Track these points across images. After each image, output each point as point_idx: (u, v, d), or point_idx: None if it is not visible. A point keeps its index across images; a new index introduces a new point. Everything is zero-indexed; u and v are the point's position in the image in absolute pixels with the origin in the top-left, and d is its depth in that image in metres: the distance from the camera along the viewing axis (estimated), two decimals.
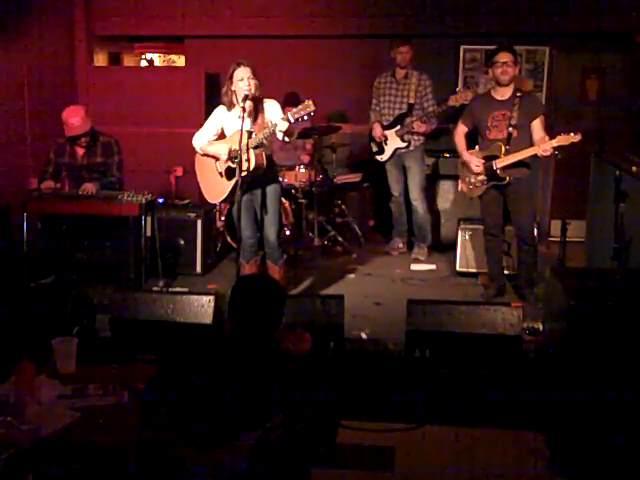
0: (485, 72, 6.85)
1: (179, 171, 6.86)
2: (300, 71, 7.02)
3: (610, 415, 3.26)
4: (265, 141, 4.44)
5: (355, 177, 6.76)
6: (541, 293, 4.83)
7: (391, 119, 6.10)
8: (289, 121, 4.24)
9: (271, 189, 4.66)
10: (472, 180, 4.93)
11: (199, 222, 5.74)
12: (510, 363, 3.86)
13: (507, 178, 4.76)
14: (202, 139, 4.67)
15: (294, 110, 4.24)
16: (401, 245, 6.37)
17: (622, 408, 3.27)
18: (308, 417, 2.38)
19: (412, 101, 6.01)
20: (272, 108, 4.55)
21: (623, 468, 3.11)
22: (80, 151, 5.23)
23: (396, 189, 6.25)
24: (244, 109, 4.29)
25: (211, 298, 4.10)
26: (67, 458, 2.46)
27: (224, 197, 4.68)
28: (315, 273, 5.70)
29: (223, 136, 4.67)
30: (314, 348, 2.88)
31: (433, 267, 5.91)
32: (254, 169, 4.39)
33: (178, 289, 5.13)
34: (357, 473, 3.24)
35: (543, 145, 4.53)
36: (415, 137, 6.08)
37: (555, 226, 6.30)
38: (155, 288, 5.13)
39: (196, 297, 4.15)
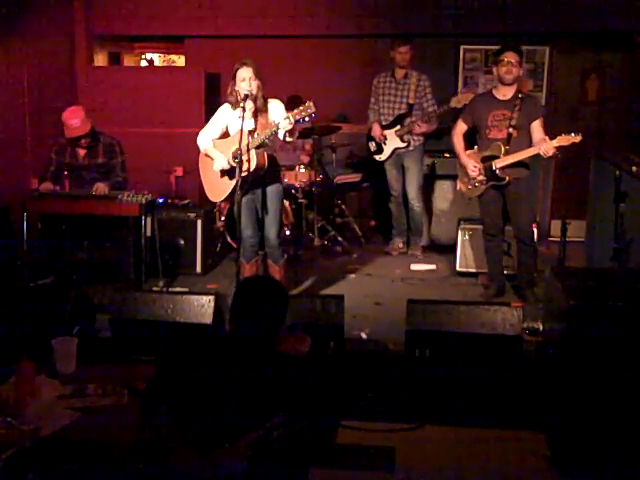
0: (486, 72, 6.87)
1: (179, 171, 6.87)
2: (300, 71, 7.02)
3: (610, 415, 3.26)
4: (268, 141, 4.43)
5: (355, 177, 6.76)
6: (541, 293, 4.83)
7: (390, 119, 6.10)
8: (291, 122, 4.24)
9: (273, 189, 4.66)
10: (471, 180, 4.93)
11: (199, 222, 5.75)
12: (510, 363, 3.85)
13: (507, 178, 4.76)
14: (207, 138, 4.67)
15: (295, 111, 4.24)
16: (401, 245, 6.37)
17: (622, 408, 3.27)
18: (308, 417, 2.38)
19: (412, 101, 6.01)
20: (276, 108, 4.54)
21: (623, 468, 3.10)
22: (81, 151, 5.23)
23: (395, 189, 6.26)
24: (244, 109, 4.29)
25: (211, 298, 4.10)
26: (67, 458, 2.46)
27: (225, 196, 4.68)
28: (315, 273, 5.70)
29: (228, 134, 4.67)
30: (313, 349, 2.88)
31: (433, 267, 5.92)
32: (255, 169, 4.39)
33: (178, 289, 5.12)
34: (357, 473, 3.24)
35: (544, 145, 4.53)
36: (415, 137, 6.08)
37: (555, 226, 6.30)
38: (155, 288, 5.13)
39: (196, 297, 4.15)
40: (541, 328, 4.28)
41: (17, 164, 6.23)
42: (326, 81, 6.96)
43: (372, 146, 6.23)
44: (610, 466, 3.12)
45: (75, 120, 5.06)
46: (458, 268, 5.65)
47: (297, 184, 6.14)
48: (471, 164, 4.83)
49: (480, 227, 5.21)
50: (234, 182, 4.46)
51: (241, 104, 4.32)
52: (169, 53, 8.84)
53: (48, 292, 4.54)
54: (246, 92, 4.37)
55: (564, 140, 4.49)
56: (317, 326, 3.93)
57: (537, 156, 4.71)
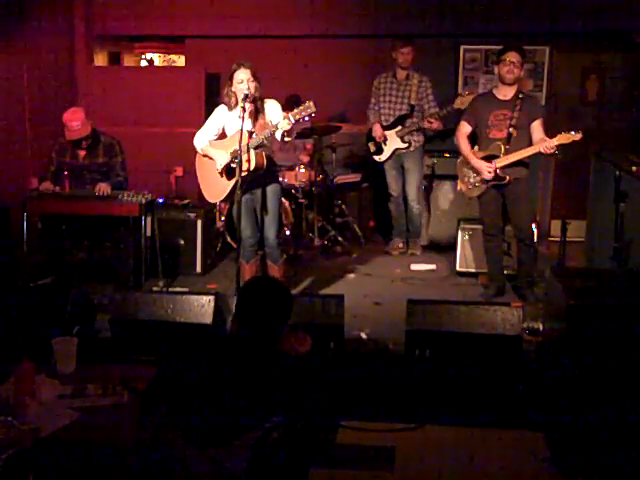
0: (486, 72, 6.87)
1: (179, 171, 6.87)
2: (300, 71, 7.02)
3: (610, 415, 3.26)
4: (266, 141, 4.44)
5: (355, 177, 6.76)
6: (541, 293, 4.84)
7: (391, 119, 6.10)
8: (290, 121, 4.24)
9: (271, 189, 4.66)
10: (471, 180, 4.93)
11: (199, 222, 5.75)
12: (510, 363, 3.85)
13: (507, 178, 4.76)
14: (203, 139, 4.67)
15: (295, 111, 4.24)
16: (401, 245, 6.38)
17: (622, 408, 3.27)
18: (308, 417, 2.38)
19: (413, 102, 6.01)
20: (273, 108, 4.55)
21: (623, 468, 3.11)
22: (82, 152, 5.23)
23: (395, 189, 6.26)
24: (244, 109, 4.29)
25: (211, 298, 4.10)
26: (67, 458, 2.46)
27: (224, 197, 4.68)
28: (315, 273, 5.70)
29: (224, 136, 4.67)
30: (314, 349, 2.88)
31: (433, 267, 5.92)
32: (254, 169, 4.39)
33: (178, 289, 5.13)
34: (357, 473, 3.24)
35: (545, 143, 4.54)
36: (415, 138, 6.09)
37: (555, 226, 6.31)
38: (155, 288, 5.13)
39: (196, 297, 4.15)
40: (541, 328, 4.28)
41: (17, 164, 6.22)
42: (326, 81, 6.96)
43: (372, 146, 6.23)
44: (610, 466, 3.12)
45: (76, 122, 5.06)
46: (458, 268, 5.65)
47: (297, 184, 6.14)
48: (485, 167, 4.79)
49: (480, 227, 5.21)
50: (232, 182, 4.47)
51: (241, 104, 4.32)
52: (169, 53, 8.83)
53: (48, 292, 4.54)
54: (245, 92, 4.37)
55: (564, 138, 4.50)
56: (317, 326, 3.93)
57: (537, 156, 4.72)
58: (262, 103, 4.53)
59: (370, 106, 6.21)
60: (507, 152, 4.71)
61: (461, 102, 5.67)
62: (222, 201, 5.22)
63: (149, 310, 4.12)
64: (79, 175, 5.24)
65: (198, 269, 5.76)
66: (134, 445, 2.41)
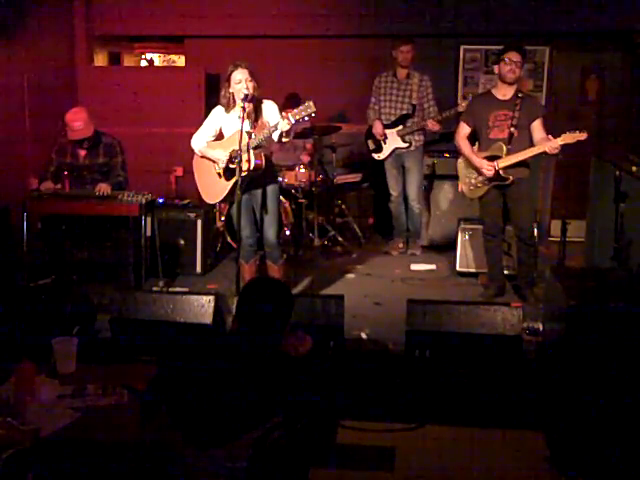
0: (486, 72, 6.87)
1: (179, 171, 6.87)
2: (300, 71, 7.02)
3: (610, 415, 3.26)
4: (264, 142, 4.44)
5: (355, 177, 6.76)
6: (541, 293, 4.83)
7: (392, 119, 6.10)
8: (290, 122, 4.24)
9: (270, 189, 4.66)
10: (473, 181, 4.93)
11: (199, 222, 5.75)
12: (510, 363, 3.85)
13: (510, 178, 4.75)
14: (200, 140, 4.67)
15: (295, 111, 4.23)
16: (401, 245, 6.38)
17: (622, 408, 3.27)
18: (308, 417, 2.38)
19: (414, 102, 6.02)
20: (270, 109, 4.55)
21: (623, 468, 3.11)
22: (82, 152, 5.23)
23: (395, 189, 6.26)
24: (244, 109, 4.29)
25: (211, 298, 4.10)
26: (67, 458, 2.46)
27: (222, 197, 4.68)
28: (315, 273, 5.70)
29: (221, 137, 4.67)
30: (314, 349, 2.88)
31: (433, 267, 5.92)
32: (253, 169, 4.39)
33: (178, 289, 5.13)
34: (357, 473, 3.24)
35: (549, 144, 4.53)
36: (416, 137, 6.09)
37: (555, 226, 6.31)
38: (155, 288, 5.13)
39: (196, 297, 4.15)
40: (541, 328, 4.28)
41: (17, 164, 6.22)
42: (326, 81, 6.96)
43: (371, 144, 6.23)
44: (610, 466, 3.12)
45: (79, 122, 5.06)
46: (458, 268, 5.65)
47: (297, 184, 6.14)
48: (485, 164, 4.79)
49: (480, 227, 5.21)
50: (231, 183, 4.47)
51: (240, 104, 4.32)
52: (169, 53, 8.84)
53: (48, 292, 4.54)
54: (245, 92, 4.37)
55: (569, 138, 4.49)
56: (317, 326, 3.93)
57: (538, 156, 4.71)
58: (260, 103, 4.52)
59: (370, 105, 6.21)
60: (509, 152, 4.71)
61: (465, 105, 5.65)
62: (221, 202, 5.21)
63: (149, 310, 4.12)
64: (79, 175, 5.24)
65: (198, 269, 5.76)
66: (134, 445, 2.41)
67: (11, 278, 5.11)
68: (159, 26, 7.27)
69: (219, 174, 4.60)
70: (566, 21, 6.68)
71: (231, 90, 4.47)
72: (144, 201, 4.99)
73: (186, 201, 6.03)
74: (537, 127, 4.73)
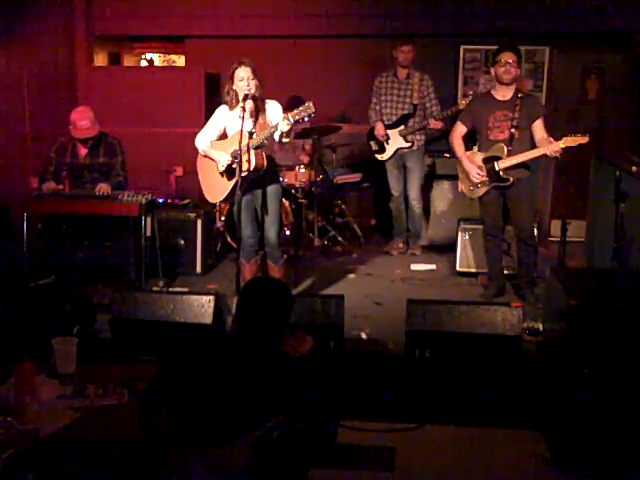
0: (485, 72, 6.87)
1: (179, 171, 6.87)
2: (301, 71, 7.02)
3: (610, 415, 3.26)
4: (266, 141, 4.44)
5: (355, 177, 6.76)
6: (541, 293, 4.83)
7: (393, 119, 6.10)
8: (290, 122, 4.24)
9: (272, 189, 4.66)
10: (473, 181, 4.92)
11: (199, 222, 5.75)
12: (510, 363, 3.85)
13: (510, 179, 4.75)
14: (205, 140, 4.67)
15: (295, 112, 4.24)
16: (401, 245, 6.38)
17: (622, 408, 3.27)
18: (308, 417, 2.38)
19: (415, 101, 6.02)
20: (273, 109, 4.55)
21: (623, 468, 3.11)
22: (82, 151, 5.23)
23: (396, 189, 6.26)
24: (244, 109, 4.29)
25: (211, 298, 4.10)
26: (67, 458, 2.46)
27: (224, 197, 4.68)
28: (315, 273, 5.70)
29: (226, 136, 4.67)
30: (314, 349, 2.88)
31: (433, 267, 5.92)
32: (254, 169, 4.39)
33: (178, 289, 5.12)
34: (357, 473, 3.24)
35: (551, 147, 4.52)
36: (418, 137, 6.09)
37: (555, 226, 6.31)
38: (155, 288, 5.13)
39: (196, 297, 4.15)
40: (541, 328, 4.28)
41: (17, 164, 6.23)
42: (326, 81, 6.96)
43: (373, 145, 6.23)
44: (610, 466, 3.12)
45: (85, 121, 5.06)
46: (458, 268, 5.65)
47: (297, 184, 6.14)
48: (474, 170, 4.81)
49: (480, 227, 5.21)
50: (232, 183, 4.47)
51: (241, 104, 4.32)
52: (169, 53, 8.83)
53: (48, 292, 4.53)
54: (246, 92, 4.37)
55: (570, 141, 4.48)
56: (317, 326, 3.93)
57: (540, 156, 4.70)
58: (263, 103, 4.52)
59: (371, 105, 6.21)
60: (510, 153, 4.70)
61: (466, 103, 5.66)
62: (222, 201, 5.22)
63: (149, 310, 4.12)
64: (79, 175, 5.24)
65: (198, 269, 5.76)
66: (134, 445, 2.41)
67: (11, 278, 5.10)
68: (159, 26, 7.28)
69: (221, 173, 4.60)
70: (566, 21, 6.68)
71: (234, 87, 4.47)
72: (144, 201, 4.99)
73: (186, 201, 6.03)
74: (538, 127, 4.72)
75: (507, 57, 4.69)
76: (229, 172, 4.55)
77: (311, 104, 4.20)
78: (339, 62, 7.09)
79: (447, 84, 6.87)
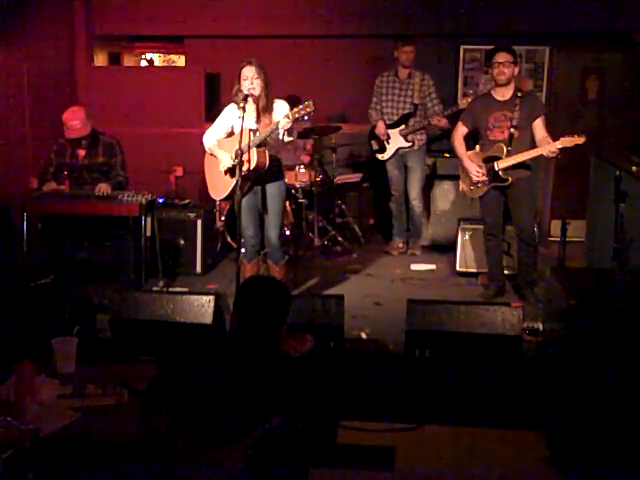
0: (485, 72, 6.87)
1: (179, 171, 6.87)
2: (300, 71, 7.02)
3: (610, 415, 3.26)
4: (270, 140, 4.43)
5: (355, 177, 6.76)
6: (541, 293, 4.84)
7: (394, 118, 6.10)
8: (290, 120, 4.24)
9: (275, 190, 4.65)
10: (473, 181, 4.93)
11: (199, 222, 5.75)
12: (510, 363, 3.85)
13: (509, 179, 4.76)
14: (212, 138, 4.66)
15: (294, 110, 4.24)
16: (401, 245, 6.38)
17: (622, 408, 3.27)
18: (308, 417, 2.38)
19: (416, 101, 6.02)
20: (281, 108, 4.53)
21: (623, 468, 3.10)
22: (81, 152, 5.23)
23: (397, 189, 6.26)
24: (244, 109, 4.29)
25: (211, 298, 4.10)
26: (67, 458, 2.46)
27: (226, 194, 4.68)
28: (315, 273, 5.70)
29: (234, 134, 4.66)
30: (314, 348, 2.88)
31: (433, 267, 5.92)
32: (255, 168, 4.39)
33: (178, 289, 5.13)
34: (357, 473, 3.24)
35: (548, 147, 4.53)
36: (418, 137, 6.09)
37: (555, 226, 6.31)
38: (155, 288, 5.13)
39: (196, 297, 4.15)
40: (541, 328, 4.28)
41: (17, 164, 6.22)
42: (326, 81, 6.95)
43: (374, 144, 6.23)
44: (610, 466, 3.12)
45: (76, 121, 5.05)
46: (458, 268, 5.65)
47: (297, 184, 6.15)
48: (474, 169, 4.83)
49: (480, 227, 5.21)
50: (234, 181, 4.46)
51: (241, 104, 4.32)
52: (169, 53, 8.84)
53: (48, 292, 4.53)
54: (246, 92, 4.37)
55: (567, 142, 4.49)
56: (317, 326, 3.93)
57: (538, 156, 4.71)
58: (270, 102, 4.51)
59: (372, 105, 6.21)
60: (509, 153, 4.71)
61: (467, 102, 5.65)
62: (225, 199, 5.21)
63: (149, 310, 4.12)
64: (79, 175, 5.24)
65: (198, 269, 5.76)
66: (134, 445, 2.41)
67: (11, 278, 5.10)
68: (159, 26, 7.27)
69: (225, 171, 4.60)
70: (566, 21, 6.67)
71: (241, 87, 4.47)
72: (144, 201, 4.99)
73: (186, 201, 6.03)
74: (538, 126, 4.73)
75: (500, 58, 4.70)
76: (232, 170, 4.55)
77: (311, 103, 4.19)
78: (339, 62, 7.08)
79: (447, 84, 6.86)
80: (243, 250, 4.73)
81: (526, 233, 4.95)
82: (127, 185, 5.27)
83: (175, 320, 4.07)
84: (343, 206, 6.68)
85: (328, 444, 3.39)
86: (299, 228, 6.24)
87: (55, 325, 3.86)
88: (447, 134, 6.20)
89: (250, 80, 4.41)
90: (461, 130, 4.97)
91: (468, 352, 3.88)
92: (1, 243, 5.35)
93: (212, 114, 4.78)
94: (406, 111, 6.06)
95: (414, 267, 5.92)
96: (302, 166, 6.21)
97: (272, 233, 4.71)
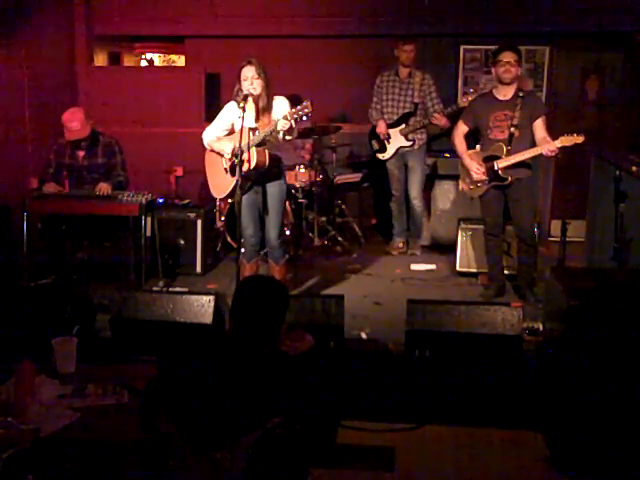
0: (485, 72, 6.87)
1: (179, 171, 6.87)
2: (300, 71, 7.01)
3: (610, 415, 3.26)
4: (270, 138, 4.43)
5: (355, 177, 6.76)
6: (541, 293, 4.83)
7: (395, 118, 6.10)
8: (288, 121, 4.24)
9: (276, 189, 4.65)
10: (473, 180, 4.93)
11: (199, 222, 5.75)
12: (510, 363, 3.85)
13: (509, 178, 4.76)
14: (211, 134, 4.67)
15: (292, 111, 4.23)
16: (401, 245, 6.38)
17: (622, 408, 3.27)
18: (308, 417, 2.38)
19: (417, 100, 6.02)
20: (280, 106, 4.53)
21: (623, 468, 3.10)
22: (81, 152, 5.23)
23: (397, 188, 6.26)
24: (244, 109, 4.29)
25: (211, 298, 4.10)
26: (67, 458, 2.46)
27: (227, 193, 4.67)
28: (315, 273, 5.70)
29: (234, 132, 4.67)
30: (314, 348, 2.88)
31: (433, 267, 5.91)
32: (255, 167, 4.39)
33: (178, 289, 5.12)
34: (357, 473, 3.24)
35: (547, 146, 4.53)
36: (419, 136, 6.09)
37: (555, 226, 6.31)
38: (155, 288, 5.13)
39: (196, 297, 4.16)
40: (541, 328, 4.28)
41: (17, 164, 6.22)
42: (327, 81, 6.95)
43: (375, 144, 6.23)
44: (610, 466, 3.12)
45: (75, 123, 5.05)
46: (458, 268, 5.65)
47: (297, 184, 6.14)
48: (474, 166, 4.84)
49: (480, 227, 5.21)
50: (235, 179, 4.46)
51: (241, 104, 4.32)
52: (169, 53, 8.83)
53: (48, 292, 4.53)
54: (246, 92, 4.38)
55: (567, 141, 4.49)
56: (317, 326, 3.93)
57: (538, 156, 4.71)
58: (270, 101, 4.51)
59: (372, 105, 6.21)
60: (509, 152, 4.71)
61: (467, 100, 5.65)
62: (226, 197, 5.21)
63: (149, 310, 4.12)
64: (79, 176, 5.24)
65: (198, 269, 5.76)
66: (134, 445, 2.41)
67: (11, 278, 5.11)
68: (159, 26, 7.27)
69: (226, 170, 4.60)
70: (566, 21, 6.68)
71: (242, 87, 4.47)
72: (144, 201, 4.99)
73: (186, 201, 6.03)
74: (539, 126, 4.73)
75: (506, 57, 4.70)
76: (233, 168, 4.55)
77: (309, 103, 4.19)
78: (339, 62, 7.08)
79: (447, 84, 6.86)
80: (243, 250, 4.74)
81: (526, 233, 4.95)
82: (127, 185, 5.28)
83: (175, 320, 4.08)
84: (343, 206, 6.68)
85: (328, 444, 3.40)
86: (299, 228, 6.24)
87: (55, 325, 3.86)
88: (447, 133, 6.20)
89: (250, 80, 4.41)
90: (462, 128, 4.98)
91: (468, 352, 3.88)
92: (1, 243, 5.35)
93: (212, 114, 4.78)
94: (406, 110, 6.06)
95: (414, 267, 5.92)
96: (302, 166, 6.21)
97: (272, 233, 4.71)
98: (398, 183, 6.24)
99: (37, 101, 6.42)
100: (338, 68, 7.05)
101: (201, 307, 4.09)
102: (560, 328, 3.78)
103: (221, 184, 4.67)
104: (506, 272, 5.25)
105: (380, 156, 6.22)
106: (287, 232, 5.95)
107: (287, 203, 5.97)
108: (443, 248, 6.24)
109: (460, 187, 5.16)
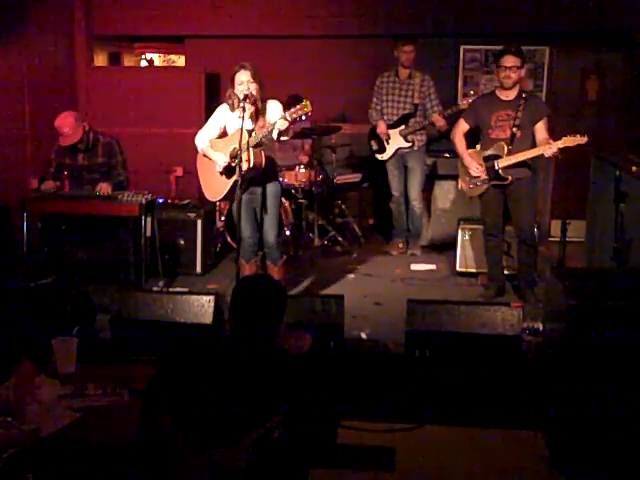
0: (486, 72, 6.87)
1: (179, 171, 6.87)
2: (300, 71, 7.02)
3: (610, 415, 3.26)
4: (265, 140, 4.43)
5: (355, 177, 6.76)
6: (541, 293, 4.83)
7: (394, 119, 6.10)
8: (287, 121, 4.24)
9: (271, 190, 4.65)
10: (473, 179, 4.93)
11: (199, 222, 5.75)
12: (510, 363, 3.85)
13: (509, 178, 4.76)
14: (204, 139, 4.66)
15: (291, 110, 4.23)
16: (401, 245, 6.38)
17: (622, 408, 3.27)
18: (308, 417, 2.38)
19: (417, 101, 6.01)
20: (273, 108, 4.54)
21: (623, 468, 3.10)
22: (80, 153, 5.23)
23: (397, 189, 6.26)
24: (244, 109, 4.29)
25: (211, 298, 4.10)
26: (67, 458, 2.46)
27: (223, 195, 4.68)
28: (315, 273, 5.70)
29: (226, 135, 4.67)
30: (314, 348, 2.88)
31: (433, 267, 5.92)
32: (252, 168, 4.39)
33: (178, 289, 5.13)
34: (357, 473, 3.24)
35: (548, 147, 4.53)
36: (418, 137, 6.09)
37: (555, 226, 6.30)
38: (155, 288, 5.13)
39: (196, 297, 4.15)
40: (541, 328, 4.28)
41: (17, 164, 6.22)
42: (326, 81, 6.96)
43: (374, 144, 6.23)
44: (610, 466, 3.12)
45: (65, 129, 5.04)
46: (458, 268, 5.65)
47: (297, 184, 6.14)
48: (474, 165, 4.84)
49: (480, 227, 5.21)
50: (231, 181, 4.47)
51: (241, 104, 4.32)
52: (169, 53, 8.84)
53: (48, 292, 4.53)
54: (246, 92, 4.38)
55: (569, 141, 4.48)
56: (317, 326, 3.93)
57: (539, 156, 4.71)
58: (263, 104, 4.52)
59: (372, 105, 6.20)
60: (510, 152, 4.71)
61: (467, 102, 5.65)
62: (221, 200, 5.21)
63: (149, 310, 4.12)
64: (79, 176, 5.24)
65: (198, 269, 5.76)
66: (134, 445, 2.41)
67: (11, 278, 5.11)
68: (159, 26, 7.27)
69: (220, 172, 4.60)
70: (566, 21, 6.68)
71: (235, 91, 4.47)
72: (144, 201, 4.99)
73: (186, 201, 6.02)
74: (540, 128, 4.72)
75: (508, 62, 4.66)
76: (228, 171, 4.55)
77: (308, 103, 4.18)
78: (339, 62, 7.09)
79: (447, 84, 6.87)
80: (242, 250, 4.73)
81: (526, 233, 4.95)
82: (128, 185, 5.28)
83: (175, 320, 4.07)
84: (343, 206, 6.68)
85: (328, 444, 3.40)
86: (299, 228, 6.24)
87: (55, 325, 3.86)
88: (446, 135, 6.21)
89: (246, 84, 4.41)
90: (462, 127, 4.97)
91: (468, 352, 3.88)
92: (1, 243, 5.34)
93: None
94: (406, 111, 6.06)
95: (414, 267, 5.92)
96: (302, 166, 6.21)
97: (269, 234, 4.71)
98: (398, 183, 6.24)
99: (37, 101, 6.41)
100: (338, 68, 7.06)
101: (201, 307, 4.08)
102: (560, 328, 3.78)
103: (215, 186, 4.67)
104: (506, 272, 5.25)
105: (379, 157, 6.22)
106: (287, 232, 5.95)
107: (287, 203, 5.98)
108: (443, 248, 6.24)
109: (459, 186, 5.16)
